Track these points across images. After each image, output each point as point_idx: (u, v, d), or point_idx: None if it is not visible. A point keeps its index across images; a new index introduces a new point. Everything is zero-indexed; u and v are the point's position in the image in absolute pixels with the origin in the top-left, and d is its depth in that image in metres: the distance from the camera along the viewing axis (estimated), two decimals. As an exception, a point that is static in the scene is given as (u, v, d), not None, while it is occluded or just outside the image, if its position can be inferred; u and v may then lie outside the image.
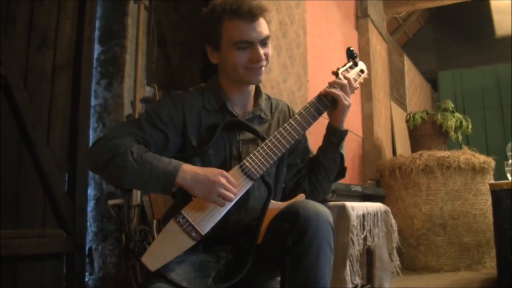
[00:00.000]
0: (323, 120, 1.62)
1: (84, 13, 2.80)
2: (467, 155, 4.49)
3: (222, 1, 1.55)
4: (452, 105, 5.04)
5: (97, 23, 2.96)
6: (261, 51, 1.54)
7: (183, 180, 1.40)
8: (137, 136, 1.50)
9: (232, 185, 1.42)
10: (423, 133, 4.90)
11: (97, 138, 1.51)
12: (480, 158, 4.52)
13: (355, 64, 1.71)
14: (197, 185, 1.40)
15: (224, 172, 1.43)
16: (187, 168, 1.42)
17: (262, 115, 1.67)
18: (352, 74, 1.68)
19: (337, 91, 1.58)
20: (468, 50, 8.21)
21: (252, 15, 1.50)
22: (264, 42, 1.55)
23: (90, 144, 2.76)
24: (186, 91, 1.66)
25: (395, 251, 3.05)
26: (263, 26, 1.54)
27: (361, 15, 5.38)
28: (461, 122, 4.86)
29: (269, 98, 1.75)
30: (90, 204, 2.83)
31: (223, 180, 1.40)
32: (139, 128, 1.52)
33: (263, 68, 1.59)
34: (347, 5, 5.13)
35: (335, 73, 1.65)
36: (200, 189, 1.40)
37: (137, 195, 2.73)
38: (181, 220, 1.41)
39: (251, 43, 1.52)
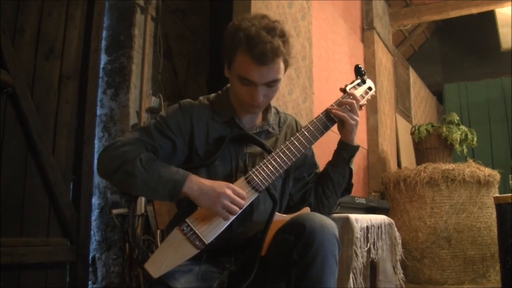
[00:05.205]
0: (328, 132, 1.63)
1: (91, 24, 2.83)
2: (472, 168, 4.48)
3: (247, 26, 1.48)
4: (458, 118, 5.04)
5: (104, 33, 2.99)
6: (262, 92, 1.51)
7: (190, 190, 1.41)
8: (146, 143, 1.51)
9: (240, 196, 1.43)
10: (428, 145, 4.89)
11: (107, 145, 1.52)
12: (485, 171, 4.51)
13: (363, 82, 1.72)
14: (202, 196, 1.41)
15: (231, 185, 1.44)
16: (194, 179, 1.43)
17: (270, 129, 1.67)
18: (360, 91, 1.70)
19: (343, 113, 1.59)
20: (474, 63, 8.21)
21: (263, 59, 1.45)
22: (269, 84, 1.52)
23: (96, 152, 2.78)
24: (195, 99, 1.66)
25: (399, 264, 3.04)
26: (272, 70, 1.49)
27: (367, 27, 5.39)
28: (466, 135, 4.85)
29: (277, 112, 1.75)
30: (94, 213, 2.83)
31: (228, 192, 1.41)
32: (148, 135, 1.53)
33: (260, 106, 1.58)
34: (353, 17, 5.14)
35: (343, 90, 1.66)
36: (205, 200, 1.41)
37: (141, 205, 2.74)
38: (185, 228, 1.42)
39: (254, 83, 1.50)
